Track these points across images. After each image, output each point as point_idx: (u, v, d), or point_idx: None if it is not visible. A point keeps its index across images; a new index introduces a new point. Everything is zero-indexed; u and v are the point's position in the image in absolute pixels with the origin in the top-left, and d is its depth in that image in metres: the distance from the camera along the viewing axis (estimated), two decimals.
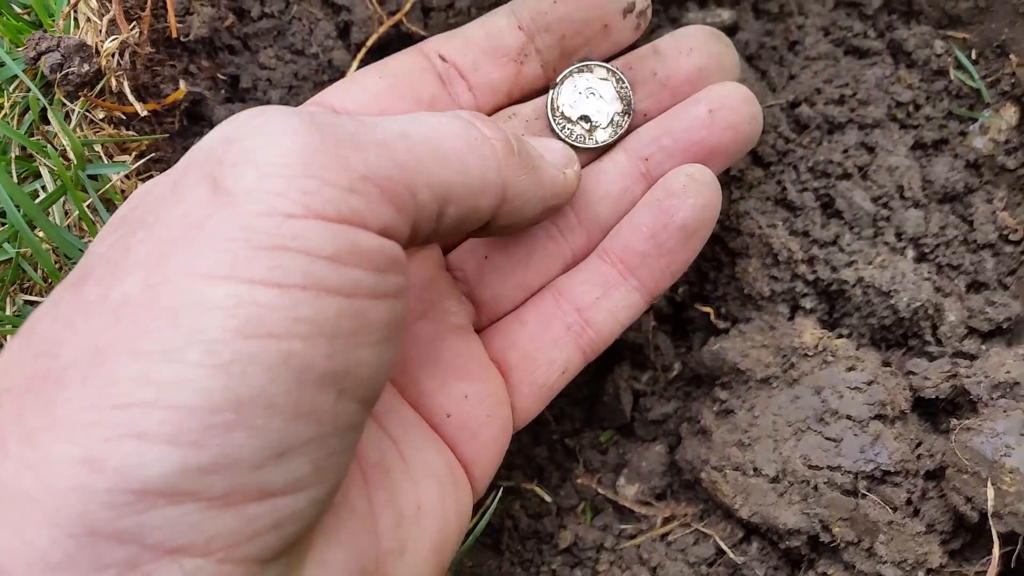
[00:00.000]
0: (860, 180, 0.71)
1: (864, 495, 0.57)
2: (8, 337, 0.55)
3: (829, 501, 0.57)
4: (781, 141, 0.73)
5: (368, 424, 0.45)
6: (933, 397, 0.62)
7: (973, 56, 0.75)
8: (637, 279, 0.57)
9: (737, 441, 0.61)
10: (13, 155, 0.58)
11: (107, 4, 0.60)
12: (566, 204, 0.54)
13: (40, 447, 0.30)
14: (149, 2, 0.62)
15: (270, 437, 0.31)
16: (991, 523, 0.53)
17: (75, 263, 0.56)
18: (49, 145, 0.57)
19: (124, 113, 0.60)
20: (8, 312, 0.56)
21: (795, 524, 0.57)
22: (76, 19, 0.60)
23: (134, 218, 0.35)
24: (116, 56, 0.59)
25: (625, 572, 0.62)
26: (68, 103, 0.58)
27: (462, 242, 0.59)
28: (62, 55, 0.57)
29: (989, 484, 0.54)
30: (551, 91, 0.58)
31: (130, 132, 0.61)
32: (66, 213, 0.58)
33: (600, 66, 0.58)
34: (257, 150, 0.33)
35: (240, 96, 0.67)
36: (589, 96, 0.58)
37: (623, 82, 0.58)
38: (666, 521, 0.66)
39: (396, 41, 0.70)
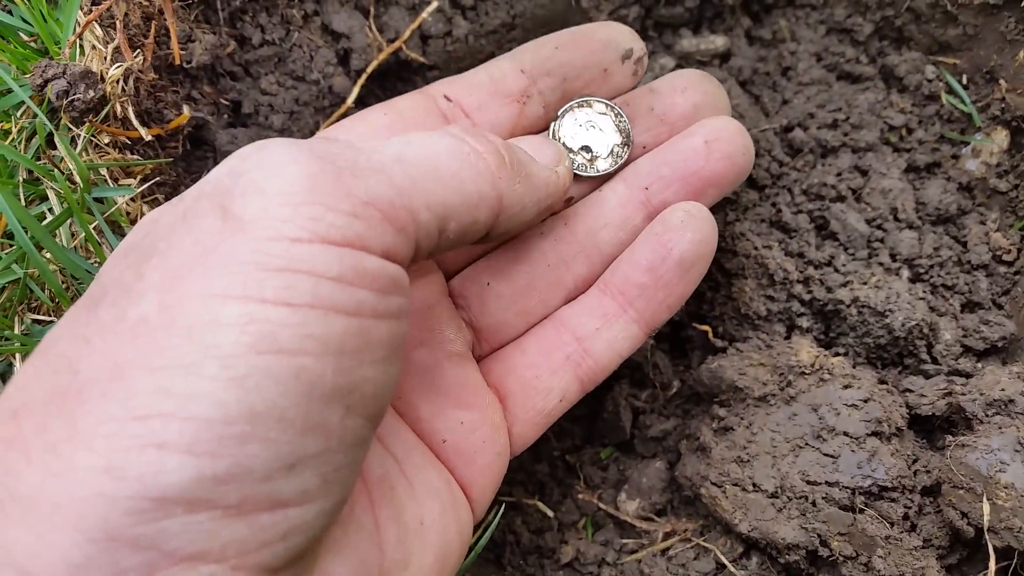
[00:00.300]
0: (854, 202, 0.72)
1: (862, 510, 0.57)
2: (17, 356, 0.56)
3: (827, 516, 0.57)
4: (775, 164, 0.74)
5: (373, 443, 0.46)
6: (929, 414, 0.62)
7: (964, 81, 0.76)
8: (636, 311, 0.58)
9: (736, 457, 0.61)
10: (21, 179, 0.59)
11: (112, 32, 0.61)
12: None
13: (63, 457, 0.31)
14: (152, 30, 0.63)
15: (281, 449, 0.33)
16: (987, 538, 0.54)
17: (82, 284, 0.57)
18: (56, 169, 0.58)
19: (129, 138, 0.61)
20: (16, 331, 0.57)
21: (794, 539, 0.58)
22: (82, 47, 0.61)
23: (145, 245, 0.36)
24: (121, 82, 0.60)
25: None
26: (74, 128, 0.59)
27: (465, 266, 0.60)
28: (68, 82, 0.58)
29: (985, 500, 0.54)
30: (553, 124, 0.60)
31: (135, 156, 0.62)
32: (72, 235, 0.59)
33: (599, 101, 0.60)
34: (263, 180, 0.35)
35: (242, 121, 0.69)
36: (589, 128, 0.60)
37: (621, 116, 0.60)
38: (667, 536, 0.66)
39: (395, 68, 0.71)
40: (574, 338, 0.58)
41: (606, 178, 0.61)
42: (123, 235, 0.60)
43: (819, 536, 0.57)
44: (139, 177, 0.61)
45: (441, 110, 0.57)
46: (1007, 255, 0.71)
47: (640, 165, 0.60)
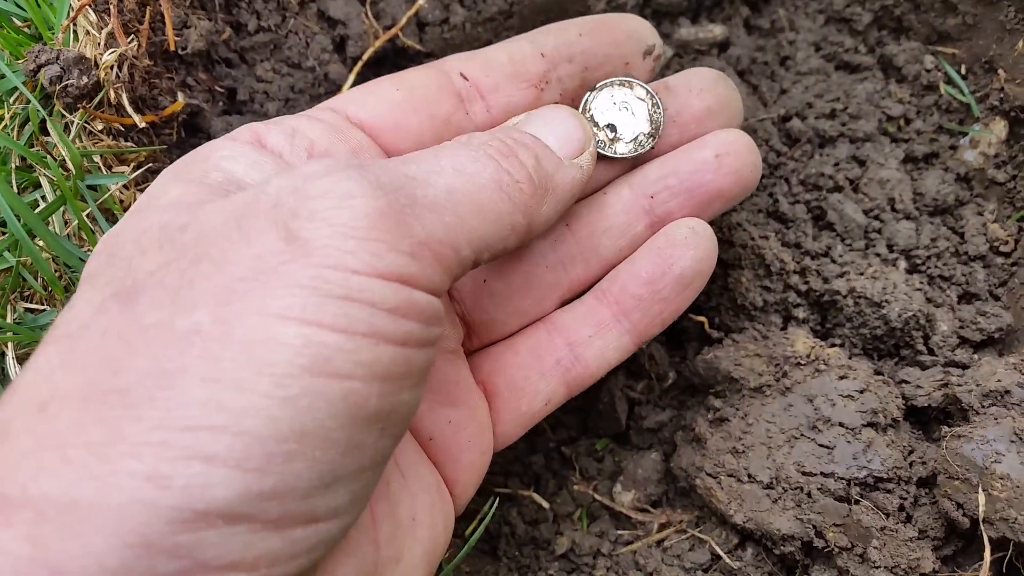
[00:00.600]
0: (851, 193, 0.72)
1: (857, 501, 0.57)
2: (9, 345, 0.56)
3: (822, 507, 0.57)
4: (773, 154, 0.74)
5: None
6: (925, 405, 0.62)
7: (962, 71, 0.76)
8: (630, 322, 0.59)
9: (731, 448, 0.61)
10: (13, 166, 0.59)
11: (106, 18, 0.61)
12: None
13: (106, 460, 0.31)
14: (147, 16, 0.62)
15: (323, 468, 0.33)
16: (982, 529, 0.54)
17: (75, 272, 0.57)
18: (48, 156, 0.58)
19: (122, 125, 0.61)
20: (8, 320, 0.57)
21: (789, 530, 0.57)
22: (75, 32, 0.61)
23: (188, 242, 0.36)
24: (115, 69, 0.60)
25: None
26: (67, 115, 0.59)
27: None
28: (61, 67, 0.57)
29: (980, 490, 0.54)
30: (587, 94, 0.59)
31: (128, 143, 0.62)
32: (65, 223, 0.59)
33: (641, 86, 0.59)
34: (332, 210, 0.35)
35: (237, 108, 0.68)
36: (623, 109, 0.59)
37: (658, 108, 0.59)
38: (662, 527, 0.66)
39: (392, 55, 0.71)
40: (566, 343, 0.59)
41: (620, 163, 0.60)
42: (116, 222, 0.60)
43: (814, 527, 0.57)
44: (133, 164, 0.61)
45: (456, 88, 0.55)
46: (1004, 246, 0.71)
47: (648, 171, 0.60)
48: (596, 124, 0.59)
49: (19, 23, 0.62)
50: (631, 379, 0.73)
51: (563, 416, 0.74)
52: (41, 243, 0.57)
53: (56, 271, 0.58)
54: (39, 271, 0.57)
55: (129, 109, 0.61)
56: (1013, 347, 0.67)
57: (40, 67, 0.58)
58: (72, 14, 0.60)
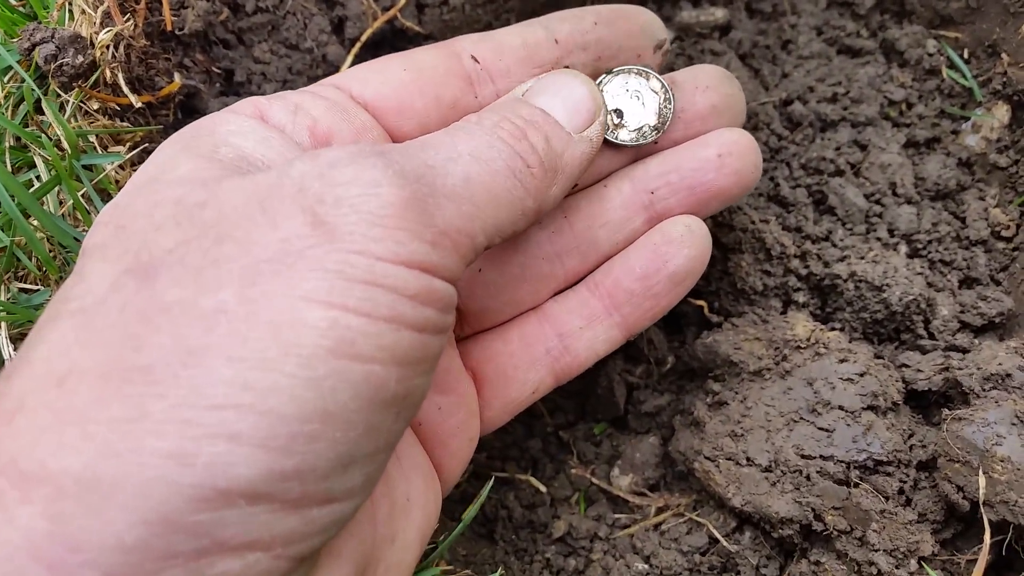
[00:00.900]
0: (853, 177, 0.72)
1: (856, 484, 0.57)
2: (3, 324, 0.55)
3: (821, 490, 0.57)
4: (774, 138, 0.73)
5: None
6: (926, 389, 0.62)
7: (965, 55, 0.75)
8: (621, 316, 0.59)
9: (730, 432, 0.61)
10: (7, 145, 0.58)
11: None
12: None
13: (129, 437, 0.31)
14: None
15: (341, 450, 0.34)
16: (983, 511, 0.53)
17: (70, 252, 0.57)
18: (44, 135, 0.57)
19: (119, 104, 0.60)
20: (2, 299, 0.56)
21: (788, 513, 0.57)
22: (71, 11, 0.60)
23: (208, 220, 0.36)
24: (111, 48, 0.60)
25: (619, 561, 0.62)
26: (63, 94, 0.59)
27: None
28: (56, 46, 0.57)
29: (981, 473, 0.54)
30: (603, 76, 0.59)
31: (124, 124, 0.61)
32: (60, 203, 0.58)
33: (658, 79, 0.59)
34: (359, 198, 0.36)
35: (235, 90, 0.68)
36: (634, 97, 0.59)
37: (669, 103, 0.59)
38: (659, 511, 0.65)
39: (390, 37, 0.70)
40: (556, 334, 0.59)
41: (621, 154, 0.60)
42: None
43: (813, 510, 0.57)
44: (129, 144, 0.61)
45: (465, 70, 0.55)
46: (1006, 231, 0.70)
47: (649, 166, 0.59)
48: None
49: (14, 1, 0.62)
50: (630, 363, 0.73)
51: (561, 400, 0.73)
52: (36, 223, 0.57)
53: (51, 251, 0.57)
54: (33, 251, 0.56)
55: (125, 89, 0.60)
56: (1014, 332, 0.67)
57: (35, 46, 0.57)
58: None
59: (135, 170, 0.58)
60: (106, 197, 0.58)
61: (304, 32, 0.68)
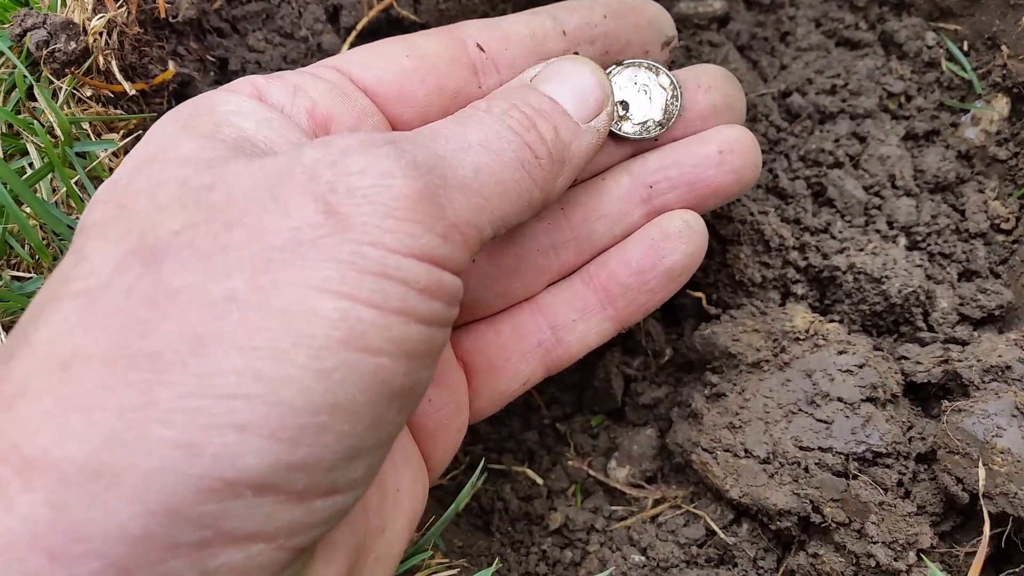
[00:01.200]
0: (852, 169, 0.72)
1: (855, 476, 0.56)
2: None
3: (820, 482, 0.56)
4: (772, 130, 0.73)
5: None
6: (925, 381, 0.61)
7: (965, 48, 0.75)
8: (614, 309, 0.58)
9: (728, 423, 0.61)
10: None
11: None
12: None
13: (136, 426, 0.30)
14: None
15: (349, 442, 0.34)
16: (982, 503, 0.53)
17: (63, 240, 0.56)
18: (36, 122, 0.57)
19: (112, 92, 0.60)
20: None
21: (785, 505, 0.57)
22: None
23: (216, 204, 0.35)
24: (104, 35, 0.59)
25: (615, 553, 0.62)
26: (55, 80, 0.58)
27: None
28: (48, 32, 0.57)
29: (980, 465, 0.54)
30: (612, 67, 0.58)
31: (118, 111, 0.61)
32: (53, 190, 0.58)
33: (668, 75, 0.58)
34: (372, 188, 0.36)
35: (228, 78, 0.67)
36: (641, 91, 0.58)
37: (676, 101, 0.58)
38: (656, 503, 0.65)
39: (386, 25, 0.70)
40: (549, 326, 0.58)
41: (620, 147, 0.60)
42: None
43: (811, 502, 0.57)
44: (122, 132, 0.60)
45: (470, 59, 0.53)
46: (1005, 224, 0.70)
47: (649, 161, 0.59)
48: None
49: None
50: (627, 355, 0.72)
51: (558, 393, 0.73)
52: (28, 210, 0.56)
53: (43, 239, 0.57)
54: (26, 239, 0.56)
55: (119, 76, 0.60)
56: (1013, 324, 0.66)
57: (26, 31, 0.57)
58: None
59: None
60: (99, 184, 0.58)
61: (299, 21, 0.68)
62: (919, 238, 0.69)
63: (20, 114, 0.58)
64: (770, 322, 0.64)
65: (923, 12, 0.76)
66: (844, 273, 0.66)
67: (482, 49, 0.54)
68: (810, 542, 0.58)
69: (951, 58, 0.75)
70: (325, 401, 0.32)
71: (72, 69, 0.58)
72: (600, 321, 0.59)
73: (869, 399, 0.59)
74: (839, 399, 0.59)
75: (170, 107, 0.64)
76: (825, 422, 0.58)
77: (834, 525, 0.56)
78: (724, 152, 0.58)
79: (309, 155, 0.37)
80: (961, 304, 0.67)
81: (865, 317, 0.67)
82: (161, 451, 0.30)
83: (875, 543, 0.55)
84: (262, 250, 0.34)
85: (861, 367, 0.60)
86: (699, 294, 0.69)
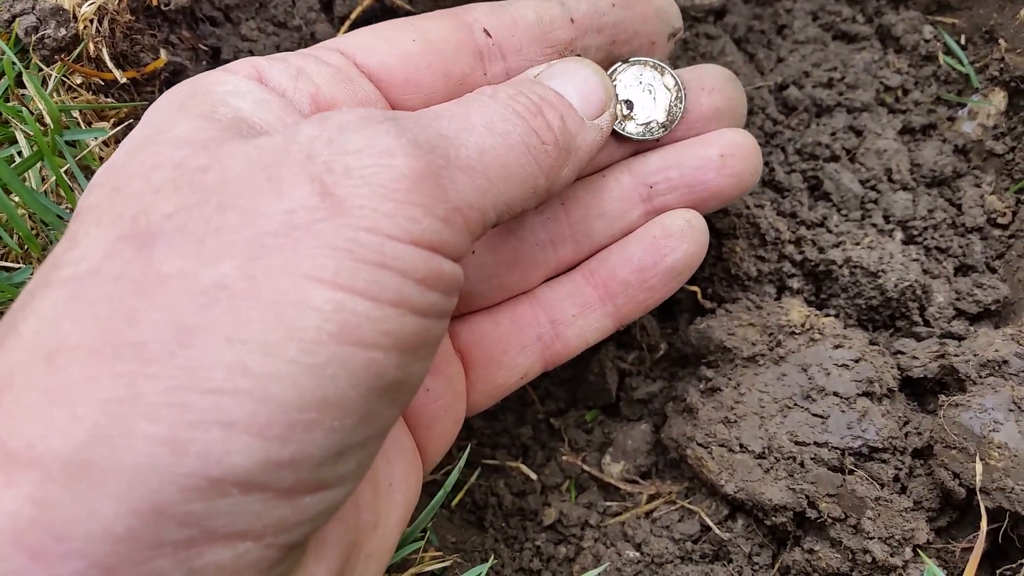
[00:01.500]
0: (848, 162, 0.71)
1: (851, 471, 0.56)
2: None
3: (816, 477, 0.56)
4: (769, 123, 0.72)
5: None
6: (921, 376, 0.61)
7: (962, 41, 0.75)
8: (614, 306, 0.58)
9: (723, 418, 0.60)
10: None
11: None
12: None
13: (120, 421, 0.30)
14: None
15: (338, 438, 0.33)
16: (979, 498, 0.53)
17: (53, 229, 0.55)
18: (25, 109, 0.56)
19: (103, 80, 0.59)
20: None
21: (781, 500, 0.56)
22: None
23: (210, 186, 0.34)
24: (94, 22, 0.58)
25: (610, 549, 0.62)
26: (44, 68, 0.57)
27: None
28: (37, 18, 0.56)
29: (978, 459, 0.53)
30: (617, 65, 0.58)
31: (109, 99, 0.60)
32: (43, 179, 0.57)
33: (673, 76, 0.58)
34: (370, 169, 0.34)
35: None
36: (646, 91, 0.58)
37: (681, 102, 0.58)
38: (651, 498, 0.65)
39: (380, 14, 0.69)
40: (549, 320, 0.58)
41: (622, 145, 0.59)
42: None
43: (807, 497, 0.56)
44: (113, 120, 0.59)
45: (477, 45, 0.52)
46: (1002, 218, 0.70)
47: (650, 160, 0.59)
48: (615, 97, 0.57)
49: None
50: (622, 350, 0.72)
51: (552, 388, 0.73)
52: (17, 199, 0.55)
53: (33, 228, 0.56)
54: (15, 228, 0.55)
55: (109, 64, 0.59)
56: (1010, 319, 0.66)
57: (15, 17, 0.56)
58: None
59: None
60: (89, 173, 0.57)
61: (292, 9, 0.67)
62: (915, 232, 0.68)
63: (9, 102, 0.57)
64: (766, 316, 0.64)
65: (920, 5, 0.76)
66: (840, 267, 0.66)
67: (489, 34, 0.53)
68: (806, 538, 0.57)
69: (948, 52, 0.74)
70: (315, 397, 0.31)
71: (62, 56, 0.57)
72: (599, 317, 0.58)
73: (865, 394, 0.58)
74: (835, 394, 0.58)
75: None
76: (821, 417, 0.58)
77: (830, 520, 0.55)
78: (726, 156, 0.58)
79: (306, 132, 0.36)
80: (957, 299, 0.66)
81: (861, 311, 0.66)
82: (146, 448, 0.29)
83: (871, 539, 0.54)
84: (255, 234, 0.33)
85: (857, 361, 0.59)
86: (694, 288, 0.69)
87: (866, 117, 0.72)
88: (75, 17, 0.57)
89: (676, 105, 0.58)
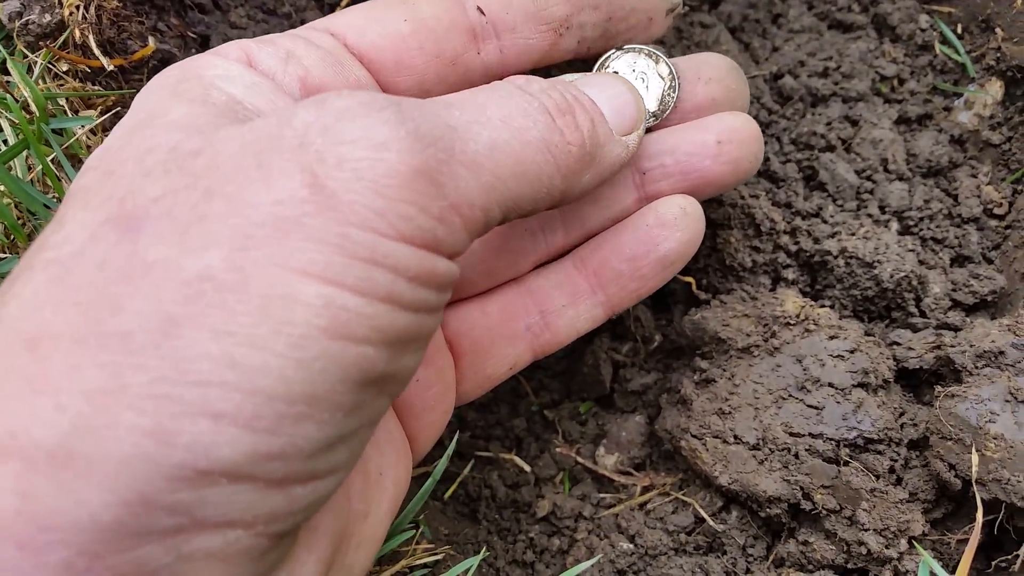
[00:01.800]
0: (844, 152, 0.71)
1: (846, 462, 0.56)
2: None
3: (810, 468, 0.56)
4: (764, 112, 0.72)
5: None
6: (917, 367, 0.61)
7: (958, 30, 0.74)
8: (605, 295, 0.57)
9: (717, 409, 0.60)
10: None
11: None
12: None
13: (105, 411, 0.29)
14: None
15: (328, 430, 0.33)
16: (975, 489, 0.52)
17: (39, 218, 0.55)
18: (10, 97, 0.55)
19: (89, 67, 0.58)
20: None
21: (776, 491, 0.56)
22: None
23: (199, 170, 0.33)
24: (80, 8, 0.58)
25: (603, 540, 0.61)
26: (29, 54, 0.57)
27: None
28: (21, 3, 0.55)
29: (974, 451, 0.53)
30: (611, 51, 0.57)
31: (96, 87, 0.59)
32: (29, 168, 0.56)
33: (666, 63, 0.57)
34: (363, 162, 0.33)
35: None
36: (639, 79, 0.57)
37: (673, 92, 0.57)
38: (645, 490, 0.64)
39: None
40: (539, 310, 0.57)
41: None
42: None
43: (802, 489, 0.56)
44: (100, 108, 0.59)
45: (470, 23, 0.51)
46: (998, 209, 0.69)
47: (644, 146, 0.57)
48: None
49: None
50: (616, 342, 0.71)
51: (546, 379, 0.72)
52: (2, 188, 0.55)
53: (19, 218, 0.55)
54: (1, 218, 0.54)
55: (96, 51, 0.58)
56: (1006, 310, 0.66)
57: None
58: None
59: (106, 135, 0.56)
60: (76, 162, 0.56)
61: None
62: (911, 223, 0.68)
63: None
64: (760, 307, 0.63)
65: None
66: (835, 258, 0.65)
67: (482, 12, 0.52)
68: (800, 529, 0.57)
69: (945, 41, 0.74)
70: (304, 391, 0.31)
71: (47, 43, 0.56)
72: (590, 307, 0.57)
73: (860, 385, 0.58)
74: (830, 384, 0.58)
75: None
76: (816, 408, 0.57)
77: (825, 512, 0.55)
78: (723, 142, 0.56)
79: (301, 117, 0.35)
80: (954, 290, 0.66)
81: (856, 302, 0.66)
82: (132, 439, 0.29)
83: (866, 530, 0.54)
84: (241, 224, 0.32)
85: (852, 352, 0.59)
86: (689, 279, 0.68)
87: (862, 107, 0.72)
88: (60, 3, 0.57)
89: (669, 95, 0.57)
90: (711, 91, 0.58)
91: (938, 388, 0.57)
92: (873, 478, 0.55)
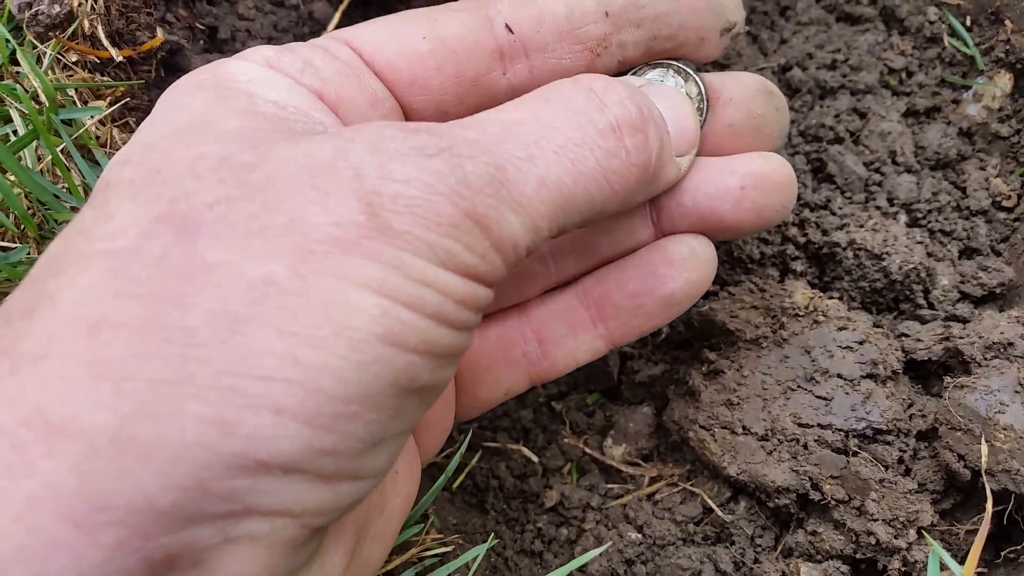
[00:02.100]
0: (852, 145, 0.71)
1: (855, 453, 0.56)
2: None
3: (819, 459, 0.56)
4: None
5: None
6: (925, 359, 0.61)
7: (967, 23, 0.74)
8: (606, 329, 0.55)
9: (725, 400, 0.60)
10: None
11: None
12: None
13: (167, 399, 0.30)
14: None
15: (375, 431, 0.34)
16: (984, 480, 0.52)
17: (49, 208, 0.55)
18: (19, 87, 0.55)
19: (98, 58, 0.58)
20: None
21: (784, 482, 0.56)
22: None
23: (255, 184, 0.35)
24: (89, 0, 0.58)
25: (611, 531, 0.61)
26: (39, 45, 0.57)
27: None
28: None
29: (983, 441, 0.53)
30: (636, 68, 0.53)
31: (105, 78, 0.59)
32: (39, 158, 0.56)
33: (697, 82, 0.53)
34: (416, 199, 0.35)
35: (218, 47, 0.66)
36: None
37: (701, 113, 0.53)
38: (653, 481, 0.64)
39: None
40: (537, 338, 0.56)
41: None
42: (93, 159, 0.58)
43: (810, 479, 0.56)
44: (109, 99, 0.59)
45: (497, 42, 0.48)
46: (1007, 201, 0.69)
47: None
48: None
49: None
50: None
51: None
52: (12, 178, 0.55)
53: (29, 208, 0.55)
54: (11, 208, 0.54)
55: (105, 42, 0.58)
56: (1014, 303, 0.66)
57: None
58: None
59: (116, 125, 0.56)
60: (86, 152, 0.57)
61: None
62: (920, 215, 0.68)
63: (3, 79, 0.57)
64: (769, 298, 0.63)
65: None
66: (844, 249, 0.65)
67: (510, 30, 0.48)
68: (809, 520, 0.57)
69: (953, 33, 0.74)
70: (359, 392, 0.33)
71: (56, 33, 0.56)
72: (591, 339, 0.55)
73: (869, 375, 0.58)
74: (839, 375, 0.58)
75: (159, 76, 0.63)
76: (824, 399, 0.57)
77: (833, 502, 0.55)
78: (747, 187, 0.51)
79: (357, 155, 0.36)
80: (962, 282, 0.66)
81: (865, 294, 0.66)
82: (194, 427, 0.30)
83: (875, 520, 0.54)
84: (302, 240, 0.33)
85: (861, 343, 0.59)
86: None
87: (870, 99, 0.72)
88: None
89: (698, 116, 0.53)
90: (728, 115, 0.53)
91: (947, 379, 0.57)
92: (882, 468, 0.55)
